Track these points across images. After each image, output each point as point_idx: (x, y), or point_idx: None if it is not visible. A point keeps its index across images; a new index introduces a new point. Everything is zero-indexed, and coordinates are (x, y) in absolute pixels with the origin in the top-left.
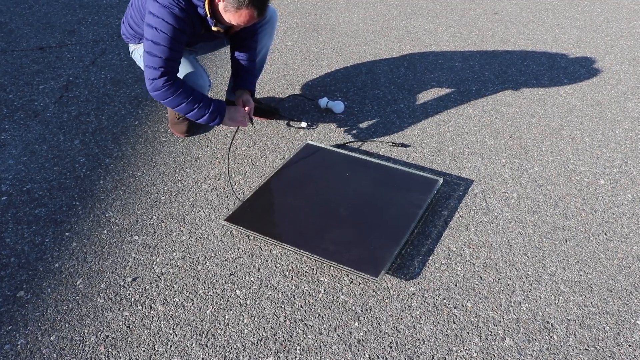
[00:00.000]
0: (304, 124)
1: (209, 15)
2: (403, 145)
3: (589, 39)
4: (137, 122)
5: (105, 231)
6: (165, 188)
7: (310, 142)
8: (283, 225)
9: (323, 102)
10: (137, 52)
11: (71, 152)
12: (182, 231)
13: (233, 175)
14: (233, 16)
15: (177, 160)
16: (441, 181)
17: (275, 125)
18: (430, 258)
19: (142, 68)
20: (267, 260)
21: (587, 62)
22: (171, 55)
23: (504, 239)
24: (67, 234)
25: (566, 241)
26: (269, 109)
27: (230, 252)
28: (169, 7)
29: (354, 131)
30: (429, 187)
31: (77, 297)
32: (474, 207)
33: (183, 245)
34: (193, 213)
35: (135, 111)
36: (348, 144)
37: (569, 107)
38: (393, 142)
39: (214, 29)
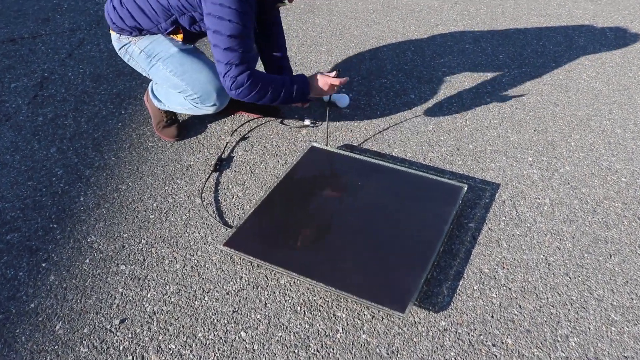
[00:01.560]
0: (307, 122)
1: None
2: (417, 143)
3: (606, 13)
4: (120, 125)
5: (88, 260)
6: (154, 204)
7: (314, 145)
8: (290, 249)
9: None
10: (134, 47)
11: (47, 162)
12: (175, 258)
13: (230, 187)
14: None
15: (167, 170)
16: (466, 188)
17: (274, 124)
18: (461, 283)
19: (140, 67)
20: (274, 293)
21: (607, 39)
22: (250, 44)
23: (541, 256)
24: (43, 264)
25: (611, 256)
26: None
27: (231, 282)
28: None
29: (362, 128)
30: (453, 196)
31: (56, 346)
32: (504, 218)
33: (177, 275)
34: (187, 235)
35: (117, 111)
36: (357, 145)
37: (595, 93)
38: (406, 140)
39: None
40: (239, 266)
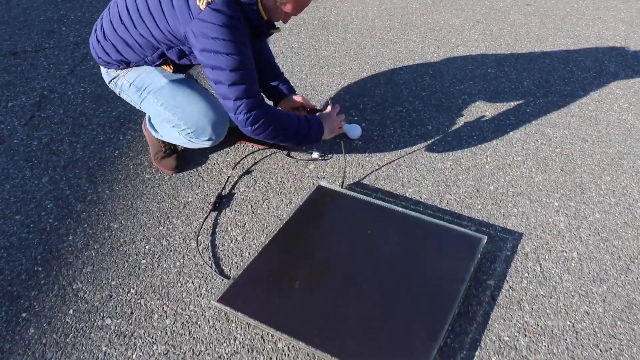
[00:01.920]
0: (315, 155)
1: (265, 18)
2: (433, 184)
3: (638, 35)
4: (117, 152)
5: (72, 311)
6: (147, 247)
7: (322, 184)
8: (290, 309)
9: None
10: (123, 80)
11: (38, 193)
12: (165, 312)
13: (229, 229)
14: (293, 4)
15: (163, 207)
16: (485, 240)
17: (279, 156)
18: (477, 353)
19: (132, 100)
20: (271, 358)
21: None
22: (255, 76)
23: (568, 322)
24: (23, 315)
25: None
26: None
27: (224, 344)
28: (229, 24)
29: (375, 163)
30: (471, 249)
31: None
32: (527, 274)
33: (166, 333)
34: (179, 285)
35: (115, 137)
36: (368, 184)
37: (627, 128)
38: (421, 180)
39: (276, 27)
40: (233, 325)
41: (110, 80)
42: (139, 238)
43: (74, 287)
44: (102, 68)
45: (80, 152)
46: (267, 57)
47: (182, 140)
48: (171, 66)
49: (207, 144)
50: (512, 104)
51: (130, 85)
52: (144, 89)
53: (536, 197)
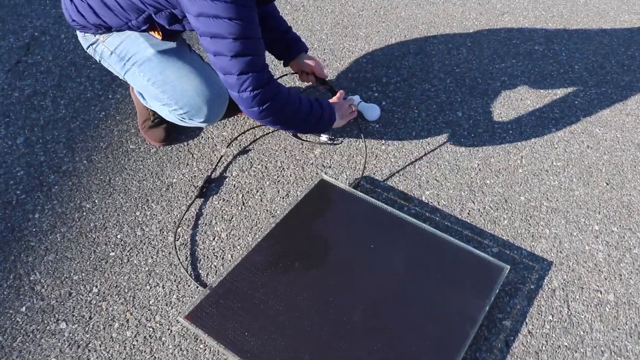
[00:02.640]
0: (324, 137)
1: None
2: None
3: None
4: (103, 114)
5: (24, 308)
6: (119, 236)
7: (325, 178)
8: (268, 339)
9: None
10: (103, 47)
11: (10, 157)
12: (127, 321)
13: (213, 222)
14: None
15: (143, 187)
16: (507, 270)
17: (283, 135)
18: None
19: (115, 70)
20: None
21: None
22: (262, 45)
23: None
24: None
25: None
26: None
27: None
28: None
29: (391, 154)
30: (489, 281)
31: None
32: (551, 317)
33: (125, 348)
34: (148, 288)
35: (104, 94)
36: (380, 180)
37: None
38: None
39: None
40: (201, 347)
41: (89, 46)
42: (111, 223)
43: (31, 279)
44: (78, 32)
45: (63, 109)
46: (270, 11)
47: (173, 119)
48: (159, 32)
49: (203, 125)
50: (559, 92)
51: (111, 53)
52: (128, 59)
53: (574, 216)
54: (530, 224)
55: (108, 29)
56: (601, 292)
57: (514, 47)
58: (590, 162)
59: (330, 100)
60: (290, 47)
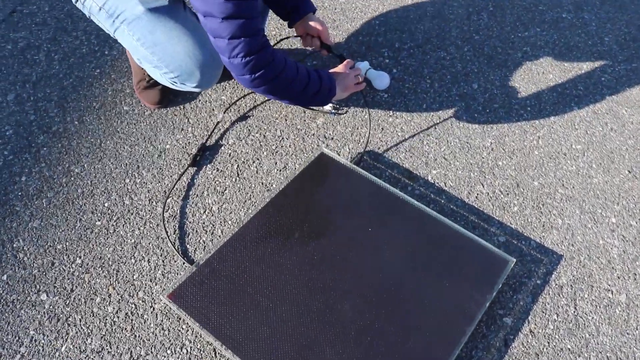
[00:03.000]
0: (328, 107)
1: None
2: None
3: None
4: (97, 72)
5: (5, 276)
6: (106, 204)
7: (325, 152)
8: (254, 324)
9: (362, 68)
10: (92, 2)
11: None
12: (109, 296)
13: (205, 194)
14: None
15: (134, 152)
16: (513, 264)
17: (282, 106)
18: None
19: (104, 27)
20: None
21: None
22: (257, 7)
23: None
24: None
25: None
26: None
27: (169, 351)
28: None
29: (398, 126)
30: (491, 274)
31: None
32: (555, 316)
33: (105, 324)
34: (133, 261)
35: (100, 50)
36: (383, 153)
37: None
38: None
39: None
40: (184, 327)
41: (77, 0)
42: (99, 190)
43: (14, 246)
44: None
45: (57, 65)
46: None
47: (165, 82)
48: None
49: (196, 91)
50: (585, 67)
51: (100, 9)
52: (117, 16)
53: (590, 207)
54: (542, 212)
55: None
56: (612, 292)
57: (539, 14)
58: (613, 146)
59: (336, 70)
60: (299, 5)
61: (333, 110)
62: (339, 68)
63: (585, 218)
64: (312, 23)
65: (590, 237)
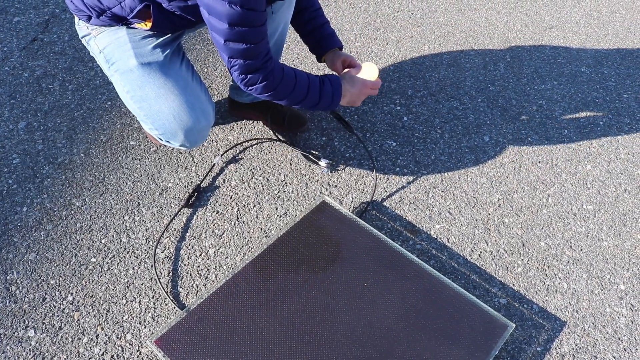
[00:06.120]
0: (322, 163)
1: None
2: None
3: None
4: (109, 104)
5: None
6: (103, 241)
7: (327, 200)
8: None
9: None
10: (94, 44)
11: (9, 142)
12: (97, 336)
13: (202, 236)
14: None
15: (136, 189)
16: (511, 329)
17: (288, 150)
18: None
19: (105, 73)
20: None
21: None
22: (263, 34)
23: None
24: None
25: None
26: (296, 117)
27: None
28: None
29: (403, 179)
30: (489, 339)
31: None
32: None
33: None
34: (124, 302)
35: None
36: (388, 207)
37: None
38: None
39: None
40: None
41: (83, 37)
42: (98, 226)
43: (7, 278)
44: (75, 18)
45: (70, 95)
46: (311, 1)
47: (154, 136)
48: (150, 20)
49: (182, 149)
50: (601, 124)
51: (100, 52)
52: (112, 64)
53: (598, 271)
54: (547, 275)
55: (100, 13)
56: None
57: (557, 67)
58: (626, 208)
59: (352, 77)
60: (322, 41)
61: (327, 168)
62: (367, 74)
63: (592, 283)
64: (337, 61)
65: (596, 304)
